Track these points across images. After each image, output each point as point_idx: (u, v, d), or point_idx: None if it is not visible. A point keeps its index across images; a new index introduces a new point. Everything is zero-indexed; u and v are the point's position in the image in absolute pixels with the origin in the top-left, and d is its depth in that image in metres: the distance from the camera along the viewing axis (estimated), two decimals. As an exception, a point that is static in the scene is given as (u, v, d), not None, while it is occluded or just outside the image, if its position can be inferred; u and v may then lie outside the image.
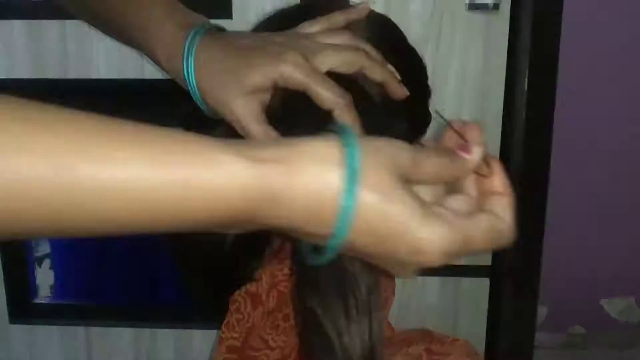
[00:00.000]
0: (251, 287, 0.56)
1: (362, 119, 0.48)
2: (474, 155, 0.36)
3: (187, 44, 0.48)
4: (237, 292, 0.57)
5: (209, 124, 0.55)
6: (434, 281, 0.99)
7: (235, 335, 0.56)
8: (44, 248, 1.04)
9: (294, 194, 0.30)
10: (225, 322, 0.57)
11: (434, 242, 0.33)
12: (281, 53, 0.45)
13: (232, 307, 0.56)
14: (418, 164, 0.33)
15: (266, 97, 0.47)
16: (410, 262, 0.34)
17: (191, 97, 0.58)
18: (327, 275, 0.43)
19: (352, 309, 0.42)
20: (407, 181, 0.33)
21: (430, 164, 0.34)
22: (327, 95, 0.45)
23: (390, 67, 0.51)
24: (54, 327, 1.05)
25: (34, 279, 1.05)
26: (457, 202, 0.36)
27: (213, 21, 0.91)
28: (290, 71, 0.45)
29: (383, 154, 0.32)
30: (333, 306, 0.42)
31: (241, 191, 0.30)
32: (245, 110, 0.46)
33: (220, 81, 0.47)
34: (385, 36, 0.56)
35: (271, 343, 0.55)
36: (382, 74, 0.48)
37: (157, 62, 0.51)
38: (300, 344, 0.44)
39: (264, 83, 0.46)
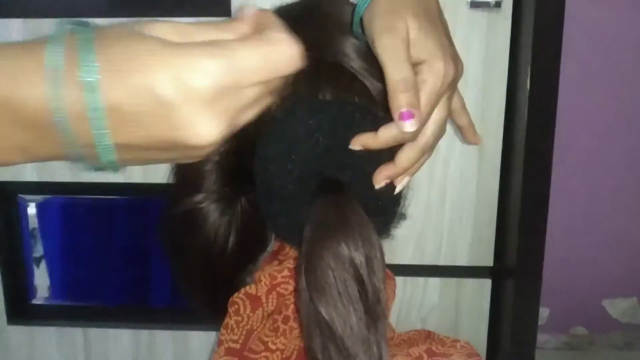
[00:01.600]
0: (250, 289, 0.56)
1: (362, 115, 0.47)
2: None
3: None
4: (236, 295, 0.56)
5: None
6: (435, 282, 0.98)
7: (234, 337, 0.55)
8: (43, 249, 1.04)
9: None
10: (224, 323, 0.56)
11: None
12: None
13: (231, 309, 0.56)
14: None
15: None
16: None
17: None
18: (337, 281, 0.42)
19: (364, 315, 0.42)
20: None
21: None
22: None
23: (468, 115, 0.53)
24: (52, 328, 1.04)
25: (32, 280, 1.05)
26: None
27: (213, 19, 0.91)
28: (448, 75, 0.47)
29: None
30: (346, 313, 0.42)
31: None
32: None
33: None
34: None
35: (271, 345, 0.54)
36: (466, 120, 0.53)
37: None
38: (308, 342, 0.43)
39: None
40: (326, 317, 0.42)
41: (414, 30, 0.44)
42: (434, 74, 0.45)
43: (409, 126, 0.43)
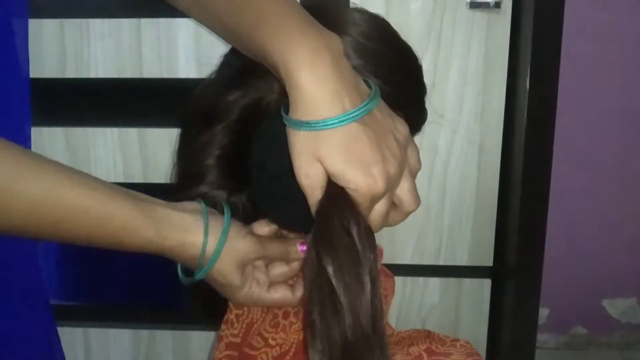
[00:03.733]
0: None
1: None
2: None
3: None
4: None
5: (207, 123, 0.55)
6: (435, 282, 0.98)
7: (234, 331, 0.56)
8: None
9: (180, 256, 0.52)
10: (224, 319, 0.57)
11: (240, 298, 0.55)
12: None
13: (232, 304, 0.57)
14: (264, 251, 0.54)
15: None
16: (230, 295, 0.55)
17: (188, 97, 0.58)
18: (342, 245, 0.45)
19: (362, 279, 0.44)
20: (255, 259, 0.54)
21: (273, 251, 0.55)
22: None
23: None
24: (53, 328, 1.04)
25: (32, 279, 1.05)
26: (274, 269, 0.56)
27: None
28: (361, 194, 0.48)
29: (234, 250, 0.52)
30: (347, 273, 0.44)
31: (148, 248, 0.51)
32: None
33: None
34: (382, 33, 0.56)
35: (271, 341, 0.55)
36: None
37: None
38: (308, 308, 0.45)
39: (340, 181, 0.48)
40: (330, 272, 0.44)
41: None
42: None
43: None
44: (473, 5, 0.86)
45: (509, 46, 0.88)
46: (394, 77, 0.55)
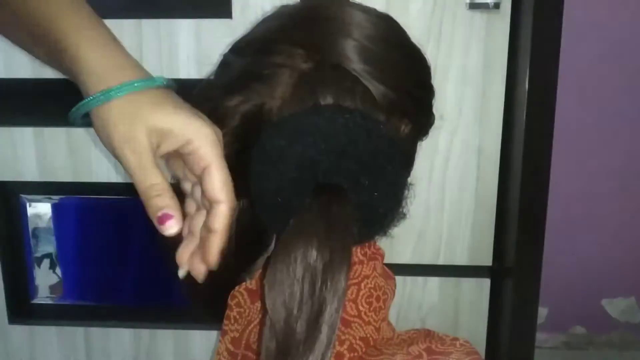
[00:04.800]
0: (250, 284, 0.57)
1: (366, 120, 0.47)
2: None
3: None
4: (237, 288, 0.57)
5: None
6: (434, 281, 0.98)
7: (238, 327, 0.56)
8: (44, 249, 1.04)
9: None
10: (226, 315, 0.57)
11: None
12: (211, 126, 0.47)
13: (233, 302, 0.57)
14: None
15: (161, 147, 0.47)
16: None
17: (188, 97, 0.58)
18: (291, 280, 0.43)
19: (305, 321, 0.43)
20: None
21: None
22: (220, 187, 0.47)
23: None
24: (53, 328, 1.05)
25: (33, 279, 1.05)
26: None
27: (214, 20, 0.91)
28: (212, 140, 0.46)
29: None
30: (288, 312, 0.43)
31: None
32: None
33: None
34: (389, 36, 0.55)
35: None
36: None
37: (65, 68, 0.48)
38: (261, 349, 0.44)
39: (179, 133, 0.46)
40: (269, 311, 0.42)
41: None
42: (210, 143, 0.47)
43: (169, 228, 0.46)
44: (472, 6, 0.87)
45: (508, 47, 0.89)
46: (401, 84, 0.52)
